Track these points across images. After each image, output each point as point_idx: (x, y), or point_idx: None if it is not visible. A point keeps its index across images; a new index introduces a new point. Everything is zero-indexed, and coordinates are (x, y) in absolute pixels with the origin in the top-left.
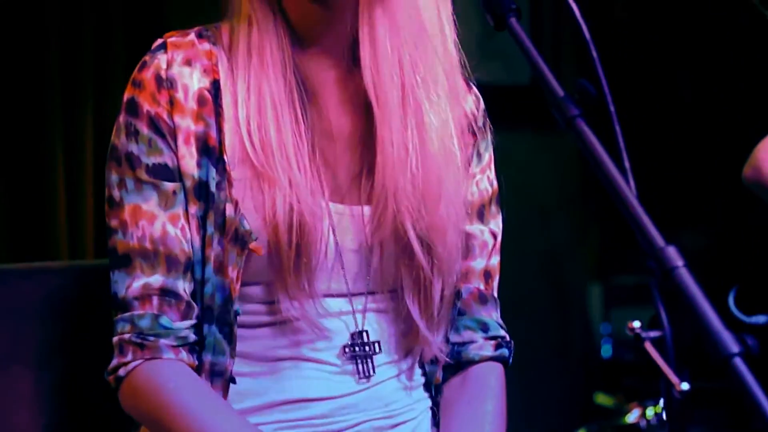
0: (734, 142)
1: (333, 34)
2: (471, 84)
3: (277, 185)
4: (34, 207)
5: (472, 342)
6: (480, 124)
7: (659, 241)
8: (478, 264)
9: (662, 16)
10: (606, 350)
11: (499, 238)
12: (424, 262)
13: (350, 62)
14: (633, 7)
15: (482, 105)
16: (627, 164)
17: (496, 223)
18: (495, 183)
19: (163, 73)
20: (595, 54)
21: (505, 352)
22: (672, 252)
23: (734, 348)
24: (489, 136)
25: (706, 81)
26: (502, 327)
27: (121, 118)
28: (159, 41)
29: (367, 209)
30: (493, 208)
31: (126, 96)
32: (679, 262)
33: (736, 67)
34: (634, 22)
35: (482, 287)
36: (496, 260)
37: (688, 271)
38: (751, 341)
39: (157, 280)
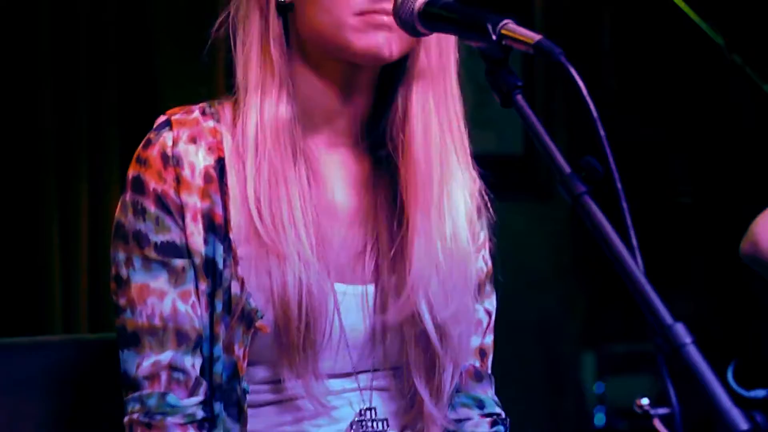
0: (731, 212)
1: (347, 112)
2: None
3: (286, 263)
4: (28, 281)
5: (468, 419)
6: (482, 202)
7: (667, 318)
8: (474, 342)
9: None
10: (599, 419)
11: (494, 317)
12: (439, 348)
13: (358, 139)
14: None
15: (480, 182)
16: (634, 242)
17: (491, 302)
18: (490, 262)
19: (169, 151)
20: (602, 132)
21: (500, 429)
22: (680, 329)
23: (744, 426)
24: (486, 214)
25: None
26: (497, 404)
27: (127, 197)
28: (163, 118)
29: (371, 288)
30: (488, 287)
31: (131, 173)
32: (687, 339)
33: (728, 142)
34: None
35: (478, 365)
36: (490, 339)
37: (696, 348)
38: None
39: (166, 356)
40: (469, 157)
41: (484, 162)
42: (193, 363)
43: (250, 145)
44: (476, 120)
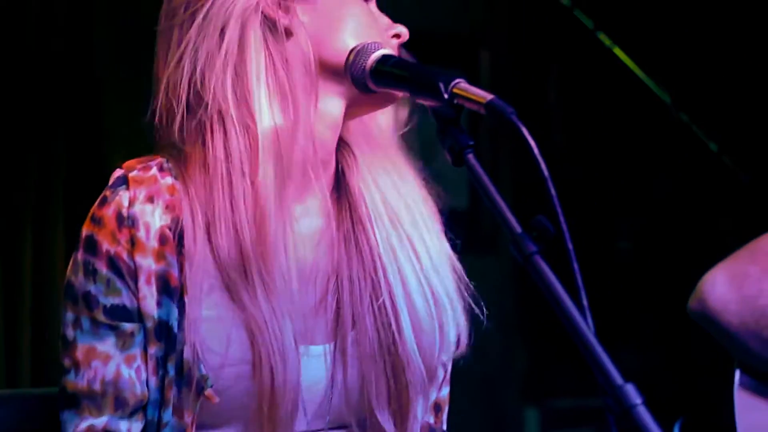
0: (676, 266)
1: (325, 162)
2: None
3: (250, 325)
4: None
5: None
6: (450, 244)
7: (618, 379)
8: (430, 396)
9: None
10: None
11: (450, 369)
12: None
13: (326, 192)
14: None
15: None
16: (585, 302)
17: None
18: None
19: (124, 211)
20: (553, 191)
21: None
22: (630, 390)
23: None
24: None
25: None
26: None
27: (79, 256)
28: (119, 173)
29: (329, 347)
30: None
31: (84, 232)
32: (637, 400)
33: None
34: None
35: (432, 421)
36: (446, 391)
37: (646, 409)
38: None
39: (101, 421)
40: (432, 209)
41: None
42: (129, 428)
43: (216, 199)
44: (422, 175)
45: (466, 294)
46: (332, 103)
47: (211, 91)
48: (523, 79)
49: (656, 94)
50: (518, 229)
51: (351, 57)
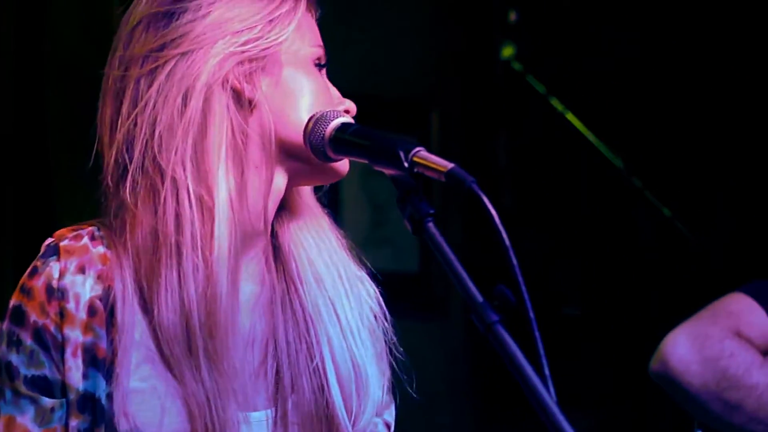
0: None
1: (265, 230)
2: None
3: (187, 394)
4: None
5: None
6: (380, 311)
7: None
8: None
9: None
10: None
11: (392, 430)
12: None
13: (263, 261)
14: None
15: (377, 292)
16: (546, 371)
17: (390, 413)
18: (388, 371)
19: (54, 283)
20: (515, 261)
21: None
22: None
23: None
24: (383, 323)
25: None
26: None
27: (5, 325)
28: (50, 242)
29: (270, 413)
30: (387, 397)
31: (12, 302)
32: None
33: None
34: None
35: None
36: None
37: None
38: None
39: None
40: (359, 272)
41: (381, 279)
42: None
43: (154, 269)
44: (373, 238)
45: (389, 357)
46: (282, 177)
47: (170, 160)
48: (473, 141)
49: (609, 159)
50: (479, 298)
51: (310, 125)
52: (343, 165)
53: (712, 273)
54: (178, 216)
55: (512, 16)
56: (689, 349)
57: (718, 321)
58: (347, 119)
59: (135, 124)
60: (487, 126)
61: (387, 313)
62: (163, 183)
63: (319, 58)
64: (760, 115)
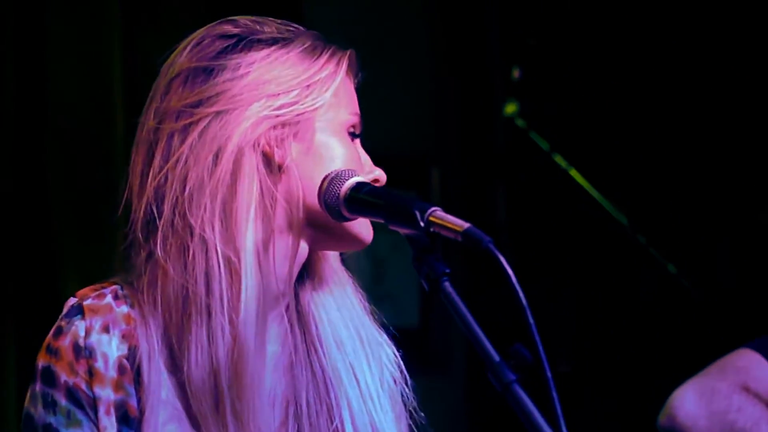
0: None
1: (288, 293)
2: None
3: None
4: None
5: None
6: (401, 373)
7: None
8: None
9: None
10: None
11: None
12: None
13: (285, 318)
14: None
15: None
16: (564, 430)
17: None
18: None
19: (81, 342)
20: (531, 320)
21: None
22: None
23: None
24: (402, 385)
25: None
26: None
27: (37, 387)
28: (73, 302)
29: None
30: None
31: (41, 363)
32: None
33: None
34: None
35: None
36: None
37: None
38: None
39: None
40: (380, 336)
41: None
42: None
43: (176, 328)
44: (373, 294)
45: (409, 421)
46: (305, 243)
47: (199, 218)
48: (474, 197)
49: (613, 216)
50: (496, 357)
51: (325, 184)
52: (367, 233)
53: (718, 328)
54: (207, 276)
55: (515, 74)
56: (697, 403)
57: (726, 376)
58: (362, 178)
59: (166, 179)
60: (488, 182)
61: (408, 377)
62: (192, 240)
63: (353, 126)
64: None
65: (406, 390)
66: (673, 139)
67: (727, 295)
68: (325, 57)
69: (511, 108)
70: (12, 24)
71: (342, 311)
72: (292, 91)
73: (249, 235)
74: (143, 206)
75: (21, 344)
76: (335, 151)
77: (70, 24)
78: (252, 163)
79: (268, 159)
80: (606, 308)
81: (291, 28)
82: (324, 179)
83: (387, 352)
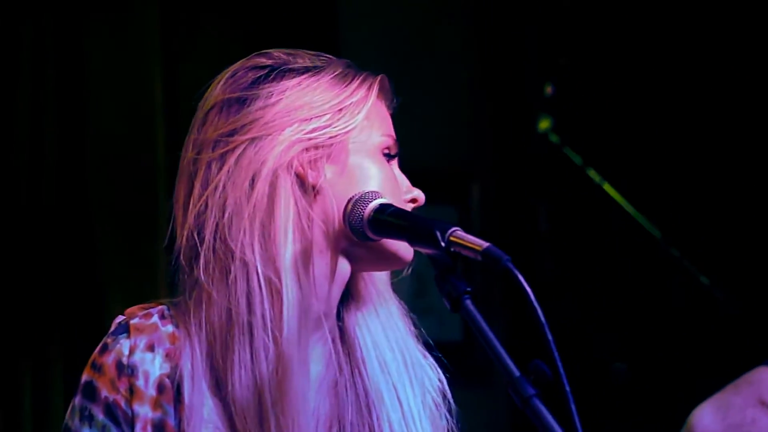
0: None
1: (330, 312)
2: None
3: None
4: None
5: None
6: (444, 398)
7: None
8: None
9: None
10: None
11: None
12: None
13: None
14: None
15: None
16: None
17: None
18: None
19: (125, 360)
20: (550, 336)
21: None
22: None
23: None
24: (445, 408)
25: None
26: None
27: (77, 401)
28: (120, 320)
29: None
30: None
31: (84, 378)
32: None
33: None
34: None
35: None
36: None
37: None
38: None
39: None
40: (424, 360)
41: (426, 349)
42: None
43: (222, 350)
44: (416, 308)
45: None
46: (345, 263)
47: (239, 242)
48: (513, 211)
49: (646, 230)
50: (516, 372)
51: (349, 206)
52: (406, 252)
53: (750, 341)
54: (248, 296)
55: (548, 90)
56: (713, 418)
57: (741, 391)
58: (386, 200)
59: (206, 206)
60: (526, 196)
61: (451, 402)
62: (233, 263)
63: (388, 148)
64: None
65: (448, 416)
66: (703, 153)
67: (760, 308)
68: (356, 83)
69: (544, 124)
70: (53, 53)
71: (387, 333)
72: (324, 115)
73: (288, 255)
74: (186, 234)
75: (67, 367)
76: (370, 172)
77: (110, 53)
78: (287, 185)
79: (302, 180)
80: (639, 319)
81: (323, 58)
82: (348, 201)
83: (430, 376)
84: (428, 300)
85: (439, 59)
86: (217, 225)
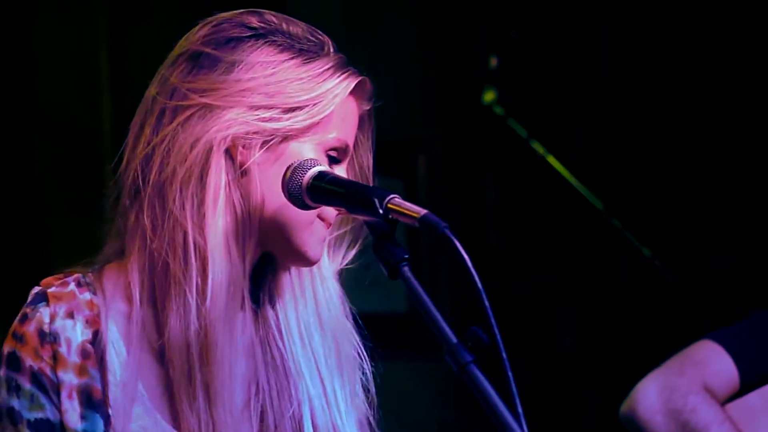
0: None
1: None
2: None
3: (181, 428)
4: None
5: None
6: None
7: None
8: None
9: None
10: None
11: None
12: None
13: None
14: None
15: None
16: (520, 409)
17: None
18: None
19: (46, 327)
20: (487, 303)
21: None
22: None
23: None
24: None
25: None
26: None
27: (2, 372)
28: (37, 290)
29: None
30: None
31: (6, 349)
32: None
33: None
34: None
35: None
36: None
37: None
38: None
39: None
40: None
41: (371, 320)
42: None
43: (146, 314)
44: (362, 279)
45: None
46: (258, 248)
47: (174, 201)
48: (460, 184)
49: (589, 201)
50: (454, 339)
51: (288, 173)
52: (314, 253)
53: (692, 313)
54: (180, 253)
55: (493, 62)
56: (656, 399)
57: (686, 371)
58: (324, 168)
59: (152, 153)
60: (473, 168)
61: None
62: (168, 219)
63: (336, 150)
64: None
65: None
66: (646, 125)
67: (702, 279)
68: (334, 81)
69: (489, 96)
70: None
71: (321, 313)
72: (273, 108)
73: (218, 226)
74: (132, 170)
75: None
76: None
77: (56, 19)
78: (219, 161)
79: (233, 158)
80: (585, 290)
81: (316, 38)
82: (287, 168)
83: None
84: (374, 271)
85: (387, 31)
86: (159, 175)
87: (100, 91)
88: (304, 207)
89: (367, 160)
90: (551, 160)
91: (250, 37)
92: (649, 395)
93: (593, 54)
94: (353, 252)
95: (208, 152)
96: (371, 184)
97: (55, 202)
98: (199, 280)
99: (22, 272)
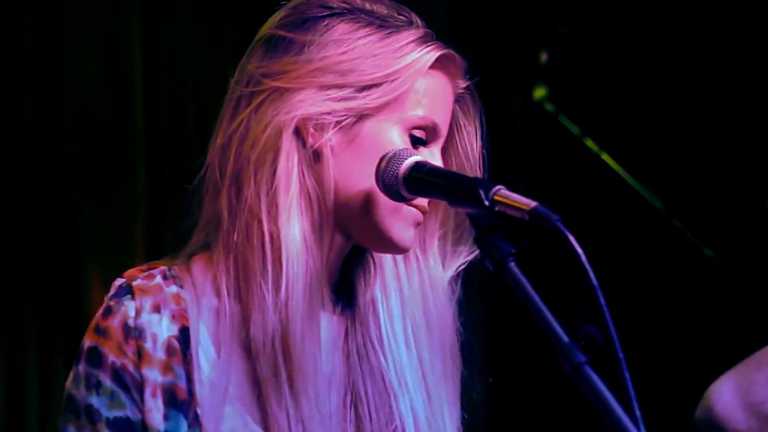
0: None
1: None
2: None
3: (269, 422)
4: None
5: None
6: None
7: None
8: None
9: None
10: None
11: None
12: None
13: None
14: None
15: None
16: (638, 412)
17: None
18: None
19: (131, 322)
20: (602, 300)
21: None
22: None
23: None
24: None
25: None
26: None
27: (81, 368)
28: (121, 282)
29: None
30: None
31: (87, 343)
32: None
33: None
34: None
35: None
36: None
37: None
38: None
39: None
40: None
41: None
42: None
43: (229, 310)
44: None
45: None
46: (339, 237)
47: (248, 188)
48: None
49: (647, 200)
50: (566, 339)
51: (383, 164)
52: (402, 239)
53: (759, 314)
54: (256, 244)
55: (544, 57)
56: (734, 395)
57: (763, 368)
58: (420, 158)
59: (229, 140)
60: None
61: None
62: (243, 206)
63: (421, 129)
64: None
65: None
66: (705, 122)
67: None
68: (417, 53)
69: (540, 92)
70: (31, 7)
71: (427, 314)
72: (346, 88)
73: (291, 214)
74: (211, 161)
75: (41, 333)
76: (382, 143)
77: (88, 15)
78: (289, 143)
79: (303, 142)
80: (642, 292)
81: (403, 14)
82: (382, 159)
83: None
84: None
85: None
86: (235, 164)
87: (132, 87)
88: (399, 198)
89: (474, 147)
90: (605, 157)
91: (326, 16)
92: (726, 392)
93: (647, 48)
94: (465, 251)
95: (278, 135)
96: (479, 175)
97: (86, 198)
98: (276, 271)
99: (53, 269)
